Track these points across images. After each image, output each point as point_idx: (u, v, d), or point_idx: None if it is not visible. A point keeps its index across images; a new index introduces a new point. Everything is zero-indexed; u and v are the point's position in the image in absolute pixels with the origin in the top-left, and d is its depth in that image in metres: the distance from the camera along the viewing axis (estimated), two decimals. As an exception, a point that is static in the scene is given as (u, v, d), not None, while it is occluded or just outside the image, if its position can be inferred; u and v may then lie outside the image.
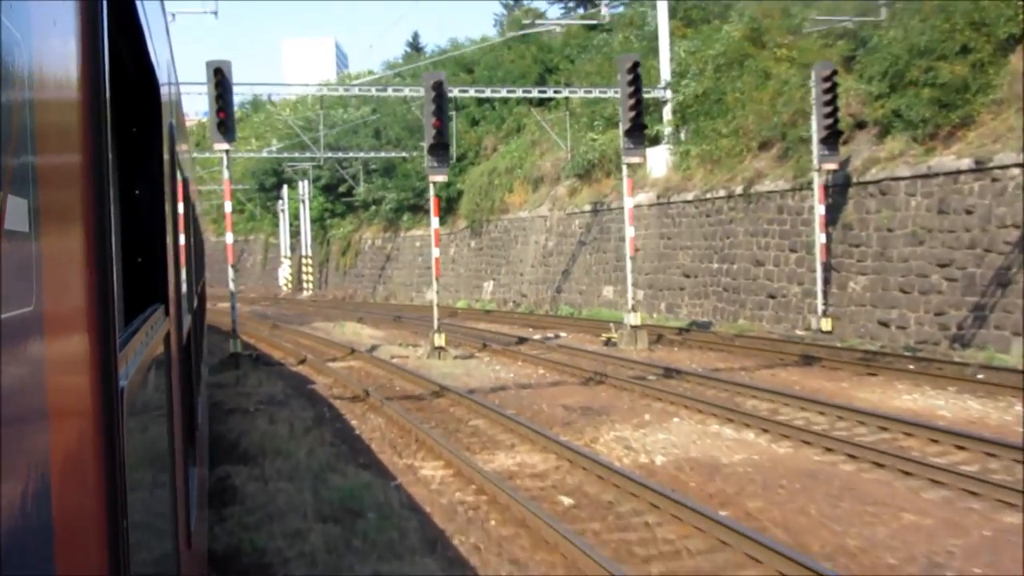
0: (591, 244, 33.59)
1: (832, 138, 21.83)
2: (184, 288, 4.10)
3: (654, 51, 31.76)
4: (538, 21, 41.26)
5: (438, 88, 20.76)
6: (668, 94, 30.71)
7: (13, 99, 0.86)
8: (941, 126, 20.44)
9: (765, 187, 25.38)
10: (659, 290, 29.64)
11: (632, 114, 21.62)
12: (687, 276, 28.45)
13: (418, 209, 47.66)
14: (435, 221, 22.20)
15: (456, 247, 43.82)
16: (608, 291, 32.36)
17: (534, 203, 38.22)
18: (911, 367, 16.83)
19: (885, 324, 20.73)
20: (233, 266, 22.28)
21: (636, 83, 21.48)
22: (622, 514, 8.93)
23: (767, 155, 26.50)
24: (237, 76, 21.06)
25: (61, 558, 0.97)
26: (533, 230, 37.81)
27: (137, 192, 2.59)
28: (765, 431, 12.16)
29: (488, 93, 31.00)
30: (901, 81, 21.73)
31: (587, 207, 34.00)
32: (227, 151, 21.27)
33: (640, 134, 22.18)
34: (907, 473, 9.80)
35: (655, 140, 30.24)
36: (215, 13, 23.13)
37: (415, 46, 70.77)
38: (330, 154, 46.45)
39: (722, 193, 27.08)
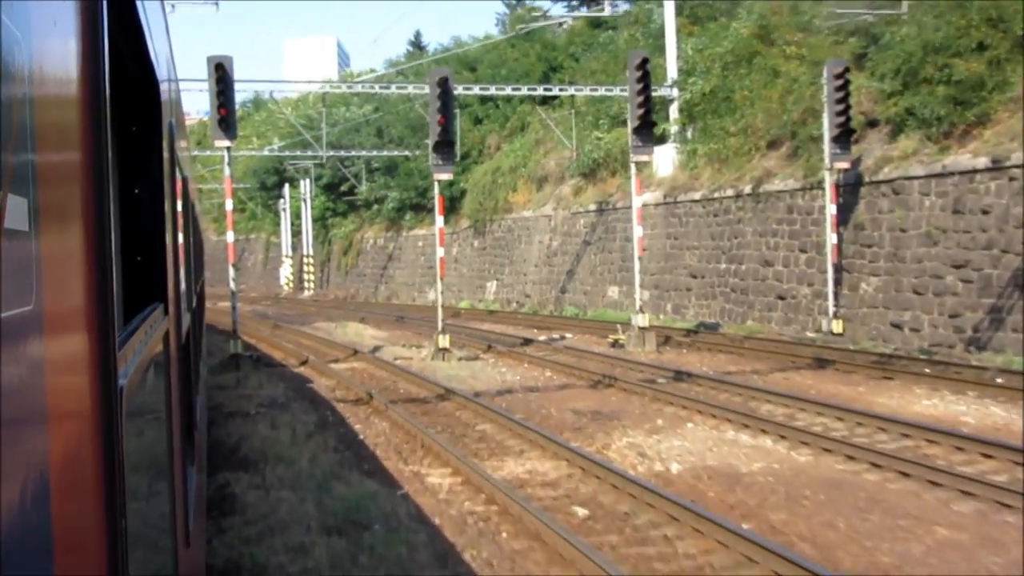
0: (596, 244, 33.19)
1: (844, 136, 21.43)
2: (183, 287, 4.09)
3: (660, 49, 31.33)
4: (539, 13, 40.87)
5: (443, 85, 20.37)
6: (675, 92, 30.30)
7: (13, 98, 0.86)
8: (956, 124, 20.03)
9: (774, 186, 24.97)
10: (665, 291, 29.24)
11: (641, 111, 21.23)
12: (694, 277, 28.04)
13: (420, 208, 47.30)
14: (440, 220, 21.78)
15: (459, 247, 43.42)
16: (613, 292, 31.97)
17: (538, 202, 37.83)
18: (927, 371, 16.43)
19: (898, 326, 20.33)
20: (234, 265, 21.90)
21: (645, 80, 21.10)
22: (639, 527, 8.54)
23: (776, 154, 26.10)
24: (239, 75, 20.69)
25: (60, 557, 0.96)
26: (537, 230, 37.42)
27: (137, 191, 2.58)
28: (783, 438, 11.76)
29: (493, 91, 30.60)
30: (915, 79, 21.33)
31: (592, 206, 33.59)
32: (228, 148, 20.88)
33: (649, 132, 21.80)
34: (935, 483, 9.40)
35: (661, 139, 29.83)
36: (216, 3, 22.71)
37: (417, 45, 70.45)
38: (332, 152, 46.03)
39: (730, 192, 26.68)
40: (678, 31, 31.25)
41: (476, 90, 30.55)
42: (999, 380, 14.83)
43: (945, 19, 20.53)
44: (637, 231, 22.57)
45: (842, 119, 21.25)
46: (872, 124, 23.08)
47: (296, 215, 57.43)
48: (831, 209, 21.75)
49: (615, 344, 22.26)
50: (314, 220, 56.06)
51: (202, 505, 5.97)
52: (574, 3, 54.34)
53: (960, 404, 13.62)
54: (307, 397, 16.51)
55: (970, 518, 8.34)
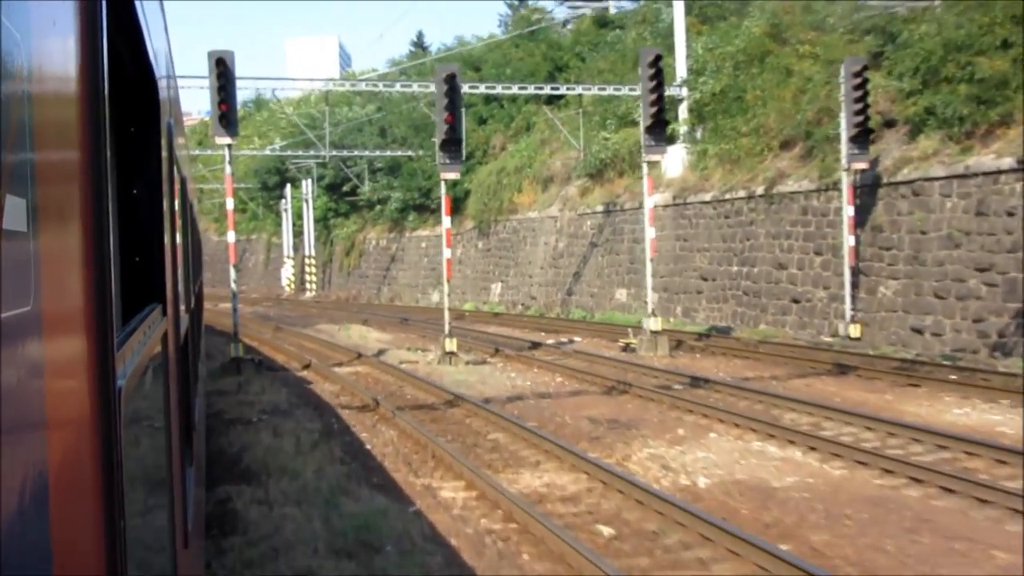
0: (603, 246, 32.61)
1: (862, 136, 20.87)
2: (182, 288, 4.05)
3: (668, 48, 30.71)
4: (543, 13, 40.31)
5: (450, 81, 19.80)
6: (684, 92, 29.73)
7: (12, 98, 0.86)
8: (979, 124, 19.44)
9: (788, 187, 24.40)
10: (675, 293, 28.65)
11: (653, 110, 20.68)
12: (704, 279, 27.46)
13: (424, 209, 46.72)
14: (447, 220, 21.20)
15: (463, 248, 42.82)
16: (621, 294, 31.39)
17: (544, 203, 37.25)
18: (953, 377, 15.86)
19: (918, 331, 19.75)
20: (235, 266, 21.32)
21: (658, 77, 20.55)
22: (670, 547, 7.96)
23: (789, 154, 25.53)
24: (240, 75, 20.08)
25: (58, 558, 0.95)
26: (543, 231, 36.84)
27: (135, 191, 2.57)
28: (813, 449, 11.19)
29: (499, 90, 29.98)
30: (935, 77, 20.76)
31: (599, 208, 33.01)
32: (229, 145, 20.31)
33: (662, 130, 21.25)
34: (982, 500, 8.83)
35: (670, 139, 29.18)
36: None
37: (420, 45, 69.91)
38: (335, 152, 45.44)
39: (742, 194, 26.10)
40: (687, 30, 30.68)
41: (482, 89, 29.95)
42: (1031, 388, 14.25)
43: (968, 16, 19.95)
44: (649, 232, 21.99)
45: (860, 118, 20.70)
46: (889, 124, 22.52)
47: (298, 215, 56.85)
48: (848, 211, 21.18)
49: (626, 348, 21.68)
50: (316, 221, 55.45)
51: (201, 506, 5.89)
52: (578, 3, 53.89)
53: (994, 413, 13.04)
54: (311, 403, 15.93)
55: (1026, 540, 7.75)
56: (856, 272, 21.37)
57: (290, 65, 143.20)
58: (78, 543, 1.10)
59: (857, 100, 20.64)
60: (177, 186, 3.89)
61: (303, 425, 13.49)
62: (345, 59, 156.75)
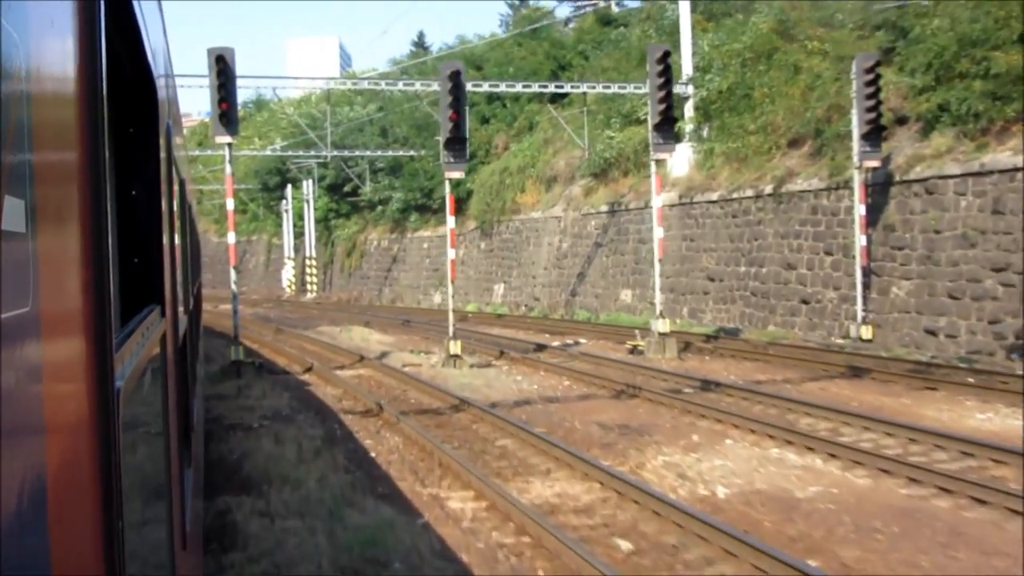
0: (608, 246, 32.22)
1: (874, 134, 20.48)
2: (180, 289, 4.02)
3: (674, 45, 30.28)
4: (545, 11, 39.92)
5: (455, 79, 19.39)
6: (690, 89, 29.33)
7: (10, 99, 0.86)
8: (995, 120, 19.05)
9: (797, 186, 24.01)
10: (681, 294, 28.24)
11: (662, 107, 20.27)
12: (711, 280, 27.06)
13: (426, 209, 46.34)
14: (451, 220, 20.79)
15: (465, 248, 42.42)
16: (626, 295, 31.00)
17: (547, 203, 36.86)
18: (971, 380, 15.46)
19: (932, 332, 19.35)
20: (235, 267, 20.92)
21: (666, 74, 20.14)
22: (692, 563, 7.57)
23: (798, 153, 25.14)
24: (240, 75, 19.65)
25: (56, 559, 0.95)
26: (546, 231, 36.44)
27: (134, 192, 2.57)
28: (833, 456, 10.79)
29: (503, 88, 29.59)
30: (948, 73, 20.36)
31: (604, 207, 32.62)
32: (230, 144, 19.92)
33: (671, 128, 20.85)
34: (1015, 512, 8.43)
35: (676, 138, 28.84)
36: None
37: (421, 45, 69.52)
38: (336, 152, 45.02)
39: (750, 193, 25.71)
40: (692, 27, 30.27)
41: (485, 87, 29.53)
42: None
43: (984, 10, 19.55)
44: (658, 232, 21.57)
45: (872, 115, 20.31)
46: (901, 121, 22.13)
47: (299, 216, 56.46)
48: (860, 209, 20.79)
49: (634, 350, 21.28)
50: (317, 221, 55.04)
51: (199, 507, 5.86)
52: (580, 3, 53.50)
53: (1017, 418, 12.62)
54: (313, 408, 15.54)
55: (1068, 555, 7.36)
56: (868, 272, 20.97)
57: (290, 65, 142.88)
58: (76, 544, 1.09)
59: (869, 96, 20.25)
60: (176, 187, 3.90)
61: (305, 431, 13.09)
62: (346, 59, 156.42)
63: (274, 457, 11.27)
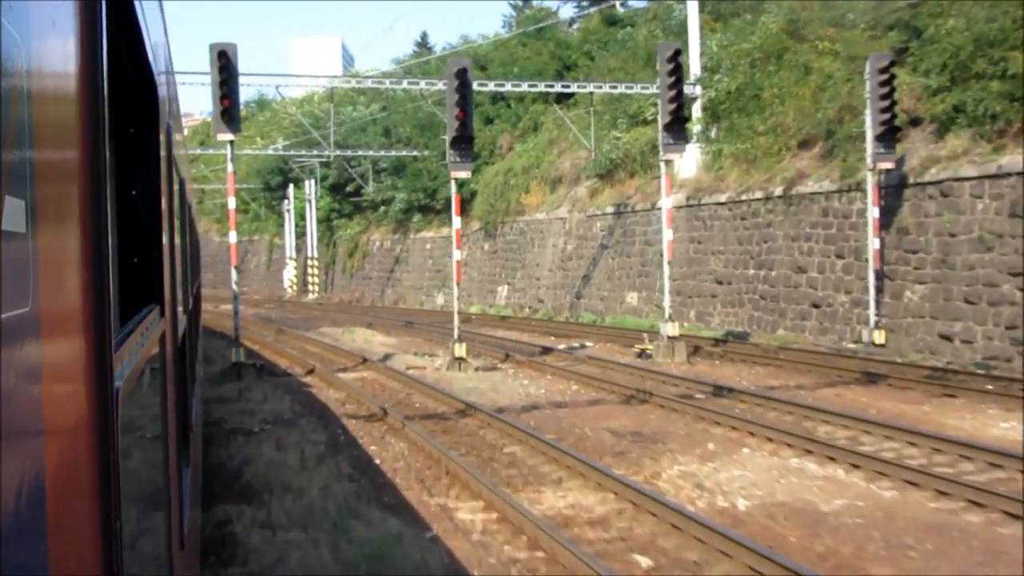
0: (613, 248, 31.84)
1: (889, 135, 20.09)
2: (180, 289, 3.99)
3: (682, 45, 29.86)
4: (549, 11, 39.54)
5: (462, 76, 19.02)
6: (698, 90, 28.94)
7: (12, 99, 0.86)
8: (1012, 122, 18.66)
9: (808, 188, 23.62)
10: (688, 297, 27.84)
11: (673, 106, 19.89)
12: (719, 283, 26.66)
13: (429, 210, 45.97)
14: (457, 221, 20.40)
15: (469, 250, 42.01)
16: (632, 297, 30.61)
17: (552, 204, 36.48)
18: (989, 387, 15.08)
19: (947, 338, 18.95)
20: (237, 267, 20.54)
21: (677, 73, 19.77)
22: (716, 581, 7.19)
23: (808, 154, 24.76)
24: (243, 71, 19.26)
25: (54, 559, 0.95)
26: (551, 233, 36.06)
27: (134, 192, 2.57)
28: (855, 467, 10.41)
29: (508, 87, 29.21)
30: (964, 74, 19.97)
31: (609, 209, 32.24)
32: (231, 142, 19.54)
33: (682, 128, 20.47)
34: (1052, 528, 8.05)
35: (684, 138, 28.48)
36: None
37: (424, 45, 69.18)
38: (339, 152, 44.66)
39: (759, 195, 25.32)
40: (700, 28, 29.89)
41: (491, 86, 29.14)
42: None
43: (1002, 9, 19.17)
44: (667, 234, 21.16)
45: (887, 116, 19.92)
46: (915, 122, 21.74)
47: (300, 216, 56.09)
48: (874, 212, 20.40)
49: (642, 354, 20.89)
50: (319, 221, 54.66)
51: (197, 508, 5.74)
52: (584, 3, 53.14)
53: (1042, 427, 12.24)
54: (315, 412, 15.16)
55: (1113, 576, 6.98)
56: (881, 276, 20.58)
57: (293, 65, 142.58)
58: (74, 543, 1.08)
59: (884, 97, 19.87)
60: (176, 187, 3.88)
61: (307, 436, 12.72)
62: (348, 60, 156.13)
63: (276, 464, 10.90)
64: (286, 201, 57.60)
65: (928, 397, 14.82)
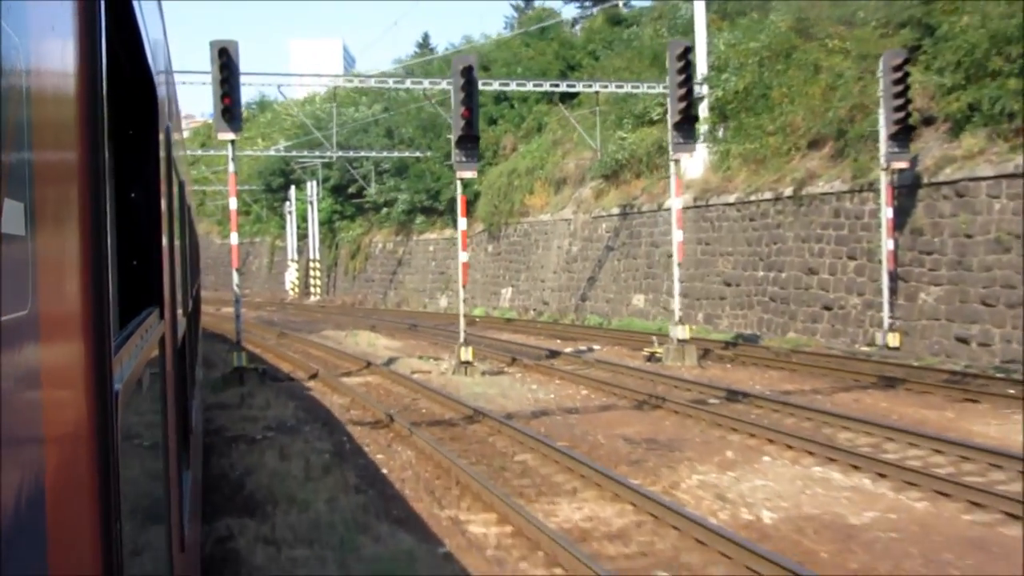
0: (619, 249, 31.44)
1: (903, 134, 19.69)
2: (179, 291, 3.97)
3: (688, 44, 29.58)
4: (551, 11, 39.17)
5: (467, 74, 18.63)
6: (705, 89, 28.54)
7: (11, 101, 0.86)
8: (1030, 120, 18.27)
9: (819, 188, 23.23)
10: (696, 299, 27.44)
11: (682, 105, 19.51)
12: (728, 284, 26.27)
13: (432, 211, 45.59)
14: (463, 222, 20.02)
15: (472, 251, 41.57)
16: (639, 300, 30.21)
17: (556, 206, 36.10)
18: (1012, 392, 14.67)
19: (964, 340, 18.55)
20: (238, 269, 20.15)
21: (687, 71, 19.40)
22: (746, 601, 6.79)
23: (819, 154, 24.37)
24: (244, 71, 18.84)
25: (54, 560, 0.95)
26: (556, 234, 35.67)
27: (133, 194, 2.57)
28: (882, 476, 10.01)
29: (513, 87, 28.80)
30: (979, 72, 19.57)
31: (615, 210, 31.85)
32: (233, 141, 19.16)
33: (691, 127, 20.11)
34: (1097, 543, 7.65)
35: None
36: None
37: (425, 45, 68.83)
38: (341, 153, 44.27)
39: (768, 195, 24.93)
40: (706, 26, 29.49)
41: (495, 86, 28.72)
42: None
43: (1019, 5, 18.78)
44: (677, 235, 20.78)
45: (901, 115, 19.52)
46: (928, 122, 21.35)
47: (302, 218, 55.71)
48: (887, 212, 19.99)
49: (651, 357, 20.49)
50: (321, 223, 54.29)
51: (197, 509, 5.79)
52: (587, 3, 52.76)
53: (1072, 434, 11.83)
54: (320, 418, 14.77)
55: None
56: (894, 278, 20.19)
57: (294, 66, 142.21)
58: (75, 546, 1.08)
59: (897, 95, 19.47)
60: (175, 189, 3.83)
61: (312, 444, 12.33)
62: (349, 61, 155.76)
63: (279, 474, 10.51)
64: (288, 203, 57.25)
65: (950, 402, 14.42)
